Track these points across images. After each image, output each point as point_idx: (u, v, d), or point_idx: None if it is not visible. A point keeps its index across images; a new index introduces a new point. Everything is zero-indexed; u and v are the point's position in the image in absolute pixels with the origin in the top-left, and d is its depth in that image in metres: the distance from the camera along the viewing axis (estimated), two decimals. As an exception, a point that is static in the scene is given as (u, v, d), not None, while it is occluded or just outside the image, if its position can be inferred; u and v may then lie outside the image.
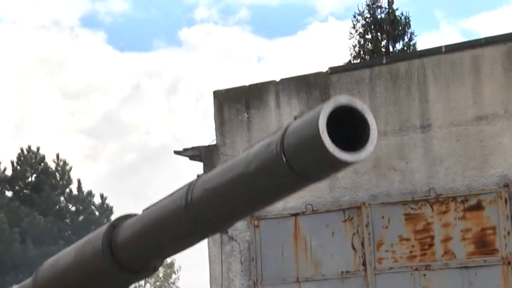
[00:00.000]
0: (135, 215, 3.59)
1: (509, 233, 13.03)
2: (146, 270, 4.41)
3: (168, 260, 53.13)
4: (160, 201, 3.46)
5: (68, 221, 33.81)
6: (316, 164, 2.44)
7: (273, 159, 2.69)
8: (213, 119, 15.49)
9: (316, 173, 2.61)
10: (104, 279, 3.76)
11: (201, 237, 3.08)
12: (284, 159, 2.48)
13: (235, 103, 14.80)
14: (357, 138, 2.20)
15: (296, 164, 2.49)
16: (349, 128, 2.38)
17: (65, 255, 4.92)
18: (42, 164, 33.98)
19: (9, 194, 31.40)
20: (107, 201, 35.81)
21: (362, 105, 2.25)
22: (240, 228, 14.10)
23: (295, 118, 2.54)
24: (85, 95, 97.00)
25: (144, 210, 3.49)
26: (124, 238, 3.49)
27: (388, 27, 34.06)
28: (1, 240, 24.52)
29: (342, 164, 2.34)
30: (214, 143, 15.58)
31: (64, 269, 4.03)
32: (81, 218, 34.17)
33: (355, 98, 2.65)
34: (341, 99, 2.10)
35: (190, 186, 3.04)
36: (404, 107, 13.01)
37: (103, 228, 3.47)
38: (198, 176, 3.17)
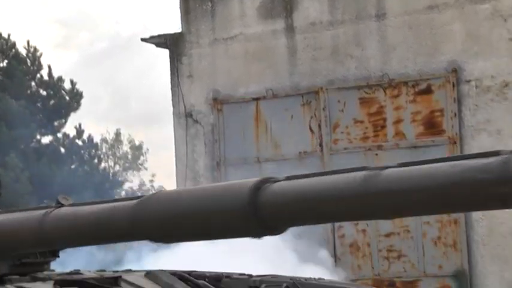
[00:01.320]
0: (276, 180, 3.64)
1: (455, 114, 13.14)
2: (280, 231, 3.89)
3: (136, 142, 53.88)
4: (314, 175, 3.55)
5: (39, 105, 32.57)
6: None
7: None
8: (179, 8, 15.06)
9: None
10: (237, 230, 3.95)
11: None
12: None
13: (199, -8, 16.15)
14: None
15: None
16: None
17: (188, 196, 4.23)
18: (13, 50, 32.68)
19: None
20: (76, 86, 34.71)
21: None
22: (204, 111, 14.39)
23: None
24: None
25: (288, 178, 3.59)
26: (271, 202, 3.60)
27: None
28: None
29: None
30: (180, 30, 15.26)
31: (188, 210, 4.05)
32: (52, 102, 34.52)
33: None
34: None
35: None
36: (360, -3, 14.22)
37: (245, 187, 3.68)
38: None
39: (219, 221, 4.00)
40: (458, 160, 3.28)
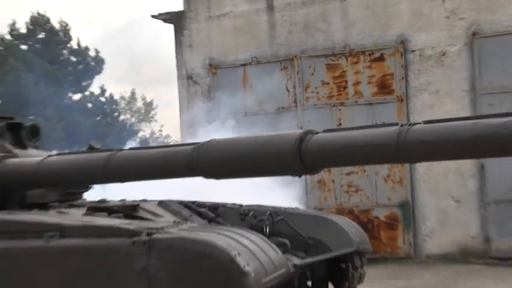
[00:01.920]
0: (316, 132, 4.66)
1: (403, 78, 13.99)
2: (317, 171, 5.05)
3: (148, 99, 56.10)
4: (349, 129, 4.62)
5: (70, 69, 37.15)
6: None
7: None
8: (182, -10, 16.65)
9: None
10: (283, 170, 4.92)
11: None
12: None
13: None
14: None
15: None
16: None
17: (243, 142, 5.17)
18: (49, 24, 36.97)
19: (24, 47, 35.36)
20: (100, 54, 38.22)
21: None
22: (202, 75, 15.27)
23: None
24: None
25: (325, 131, 4.60)
26: (312, 149, 4.52)
27: None
28: (19, 83, 27.55)
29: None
30: (182, 9, 16.11)
31: (243, 153, 4.95)
32: (80, 67, 37.59)
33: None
34: None
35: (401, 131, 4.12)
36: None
37: (293, 137, 4.62)
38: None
39: (269, 162, 4.86)
40: (477, 119, 4.05)
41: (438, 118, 8.76)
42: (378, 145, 4.34)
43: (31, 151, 6.72)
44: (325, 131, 4.68)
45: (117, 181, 5.77)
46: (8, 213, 5.41)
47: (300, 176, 5.11)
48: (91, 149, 6.43)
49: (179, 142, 15.53)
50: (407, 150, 4.20)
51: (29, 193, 6.28)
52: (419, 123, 4.37)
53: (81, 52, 37.79)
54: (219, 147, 5.12)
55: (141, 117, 56.65)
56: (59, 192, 6.57)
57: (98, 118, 37.09)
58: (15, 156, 6.23)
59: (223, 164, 5.09)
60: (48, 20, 37.60)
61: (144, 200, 6.34)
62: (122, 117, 44.25)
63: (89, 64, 37.87)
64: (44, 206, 6.09)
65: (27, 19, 37.06)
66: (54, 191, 6.45)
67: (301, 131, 4.76)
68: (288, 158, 4.64)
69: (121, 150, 5.69)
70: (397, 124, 4.42)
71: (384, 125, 4.83)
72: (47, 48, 36.30)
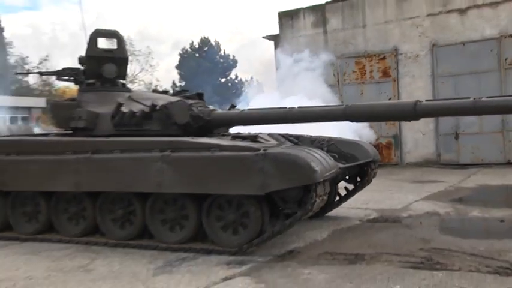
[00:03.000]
0: (421, 101, 5.98)
1: (395, 68, 17.25)
2: (419, 119, 6.11)
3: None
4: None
5: (219, 66, 55.17)
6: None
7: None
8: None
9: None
10: (404, 119, 6.63)
11: None
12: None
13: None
14: None
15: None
16: None
17: (378, 104, 6.72)
18: (209, 42, 55.57)
19: (197, 55, 53.77)
20: (235, 57, 56.78)
21: None
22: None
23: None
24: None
25: (426, 100, 6.05)
26: (420, 108, 5.79)
27: None
28: (195, 74, 38.86)
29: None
30: (278, 32, 19.01)
31: (379, 110, 6.56)
32: (225, 64, 57.55)
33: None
34: None
35: None
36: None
37: (411, 102, 5.97)
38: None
39: (396, 115, 6.43)
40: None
41: (414, 91, 14.37)
42: (461, 107, 5.86)
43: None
44: (426, 100, 6.02)
45: (293, 122, 6.70)
46: (200, 138, 6.42)
47: (410, 121, 6.59)
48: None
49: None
50: (476, 109, 5.71)
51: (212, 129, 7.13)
52: (485, 97, 5.70)
53: (225, 56, 53.22)
54: (361, 106, 6.53)
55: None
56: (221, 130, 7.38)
57: (234, 91, 46.59)
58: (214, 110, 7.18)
59: (363, 115, 6.49)
60: (209, 40, 52.37)
61: (260, 133, 7.29)
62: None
63: (229, 63, 53.01)
64: (212, 135, 7.02)
65: (198, 39, 53.03)
66: (220, 128, 7.36)
67: (414, 100, 5.99)
68: (408, 112, 5.89)
69: (293, 108, 6.69)
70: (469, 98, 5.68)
71: (464, 97, 6.00)
72: (208, 55, 51.50)
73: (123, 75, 7.61)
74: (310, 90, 15.42)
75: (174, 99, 7.26)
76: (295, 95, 14.46)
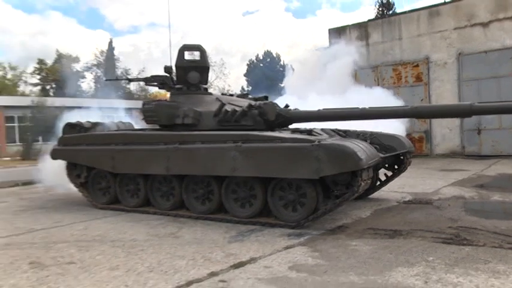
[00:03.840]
0: (474, 103, 5.82)
1: (426, 74, 16.52)
2: (471, 116, 5.86)
3: None
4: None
5: (280, 74, 49.88)
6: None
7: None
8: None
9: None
10: (461, 116, 6.23)
11: None
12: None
13: None
14: None
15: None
16: None
17: (439, 105, 7.54)
18: (271, 54, 54.72)
19: (261, 65, 52.28)
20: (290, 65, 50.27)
21: None
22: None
23: None
24: None
25: (480, 102, 5.80)
26: (474, 108, 5.74)
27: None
28: (262, 80, 38.79)
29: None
30: None
31: (439, 110, 6.43)
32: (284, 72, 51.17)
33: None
34: None
35: None
36: None
37: (467, 104, 5.81)
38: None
39: (455, 113, 6.25)
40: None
41: (443, 93, 13.77)
42: (501, 108, 5.82)
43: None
44: (478, 102, 5.90)
45: (367, 119, 6.61)
46: (266, 132, 6.36)
47: (465, 117, 7.06)
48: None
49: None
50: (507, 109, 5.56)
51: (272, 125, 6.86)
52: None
53: (284, 66, 49.10)
54: (425, 107, 6.67)
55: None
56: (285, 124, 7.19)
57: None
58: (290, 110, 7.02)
59: (424, 114, 6.55)
60: (271, 52, 52.10)
61: (315, 128, 7.24)
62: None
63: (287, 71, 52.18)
64: (273, 129, 6.89)
65: (263, 52, 52.70)
66: (286, 123, 7.12)
67: (469, 102, 5.91)
68: (464, 111, 5.89)
69: (365, 108, 6.57)
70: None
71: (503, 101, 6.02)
72: (270, 65, 51.30)
73: (205, 81, 7.59)
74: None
75: (243, 100, 7.46)
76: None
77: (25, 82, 48.09)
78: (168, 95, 8.05)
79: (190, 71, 7.39)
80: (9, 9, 69.44)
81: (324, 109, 6.61)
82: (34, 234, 5.96)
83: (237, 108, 6.78)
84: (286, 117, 6.81)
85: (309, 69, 15.56)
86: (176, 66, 7.45)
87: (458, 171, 11.60)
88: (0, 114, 28.71)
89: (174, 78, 7.71)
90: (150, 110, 7.26)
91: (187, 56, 7.40)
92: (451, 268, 4.11)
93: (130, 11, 76.63)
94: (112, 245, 5.17)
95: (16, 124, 28.51)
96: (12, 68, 44.72)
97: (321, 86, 13.86)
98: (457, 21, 16.01)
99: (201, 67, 7.49)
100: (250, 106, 6.74)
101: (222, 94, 8.47)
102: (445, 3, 16.26)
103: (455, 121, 16.06)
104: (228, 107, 6.84)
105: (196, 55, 7.45)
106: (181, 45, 7.73)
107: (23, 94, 44.04)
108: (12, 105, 29.26)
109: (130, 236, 5.66)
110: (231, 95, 8.00)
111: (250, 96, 7.75)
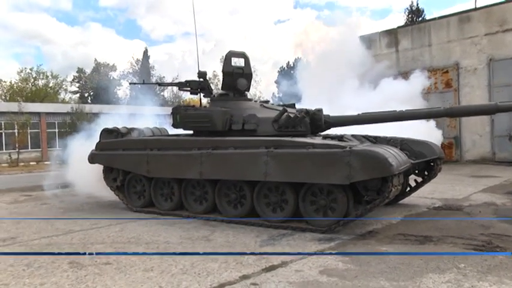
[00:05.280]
0: (500, 102, 6.22)
1: (456, 80, 16.25)
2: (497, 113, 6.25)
3: None
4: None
5: None
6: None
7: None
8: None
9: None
10: (487, 113, 6.80)
11: None
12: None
13: None
14: None
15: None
16: None
17: (475, 105, 7.17)
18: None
19: (292, 72, 44.60)
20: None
21: None
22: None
23: None
24: None
25: (501, 102, 6.13)
26: (499, 106, 6.20)
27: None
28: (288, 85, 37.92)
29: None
30: None
31: (469, 110, 6.95)
32: None
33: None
34: None
35: None
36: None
37: (494, 104, 6.31)
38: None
39: (481, 112, 6.73)
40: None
41: (472, 99, 13.16)
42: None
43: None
44: (500, 102, 6.34)
45: (404, 120, 6.90)
46: (297, 138, 6.34)
47: (491, 114, 7.52)
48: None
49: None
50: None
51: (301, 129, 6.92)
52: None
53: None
54: (457, 108, 7.34)
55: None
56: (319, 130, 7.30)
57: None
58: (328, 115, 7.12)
59: (456, 114, 7.07)
60: (301, 59, 47.66)
61: (345, 134, 7.41)
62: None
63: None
64: (306, 135, 6.87)
65: (293, 59, 49.61)
66: (324, 129, 7.26)
67: (494, 102, 6.44)
68: (491, 110, 6.40)
69: (403, 110, 6.87)
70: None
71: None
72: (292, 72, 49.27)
73: (249, 87, 7.61)
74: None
75: (278, 107, 7.51)
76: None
77: (65, 90, 49.42)
78: (205, 100, 8.03)
79: (237, 78, 7.36)
80: (54, 21, 73.24)
81: (362, 113, 6.77)
82: (73, 235, 6.08)
83: (291, 115, 6.84)
84: (330, 123, 6.95)
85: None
86: (223, 72, 7.42)
87: (488, 178, 11.33)
88: (43, 120, 29.53)
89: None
90: (201, 116, 7.14)
91: (233, 62, 7.35)
92: (483, 276, 4.00)
93: (165, 22, 78.34)
94: (147, 247, 5.21)
95: (56, 130, 29.07)
96: (54, 77, 46.07)
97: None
98: (488, 27, 15.61)
99: (246, 74, 7.48)
100: (306, 112, 6.83)
101: (255, 101, 8.19)
102: (475, 9, 15.96)
103: (486, 127, 15.76)
104: (290, 114, 6.86)
105: (241, 62, 7.45)
106: (214, 53, 7.65)
107: (63, 101, 45.24)
108: (53, 111, 29.96)
109: (164, 238, 5.68)
110: (267, 102, 7.97)
111: (271, 103, 7.80)
